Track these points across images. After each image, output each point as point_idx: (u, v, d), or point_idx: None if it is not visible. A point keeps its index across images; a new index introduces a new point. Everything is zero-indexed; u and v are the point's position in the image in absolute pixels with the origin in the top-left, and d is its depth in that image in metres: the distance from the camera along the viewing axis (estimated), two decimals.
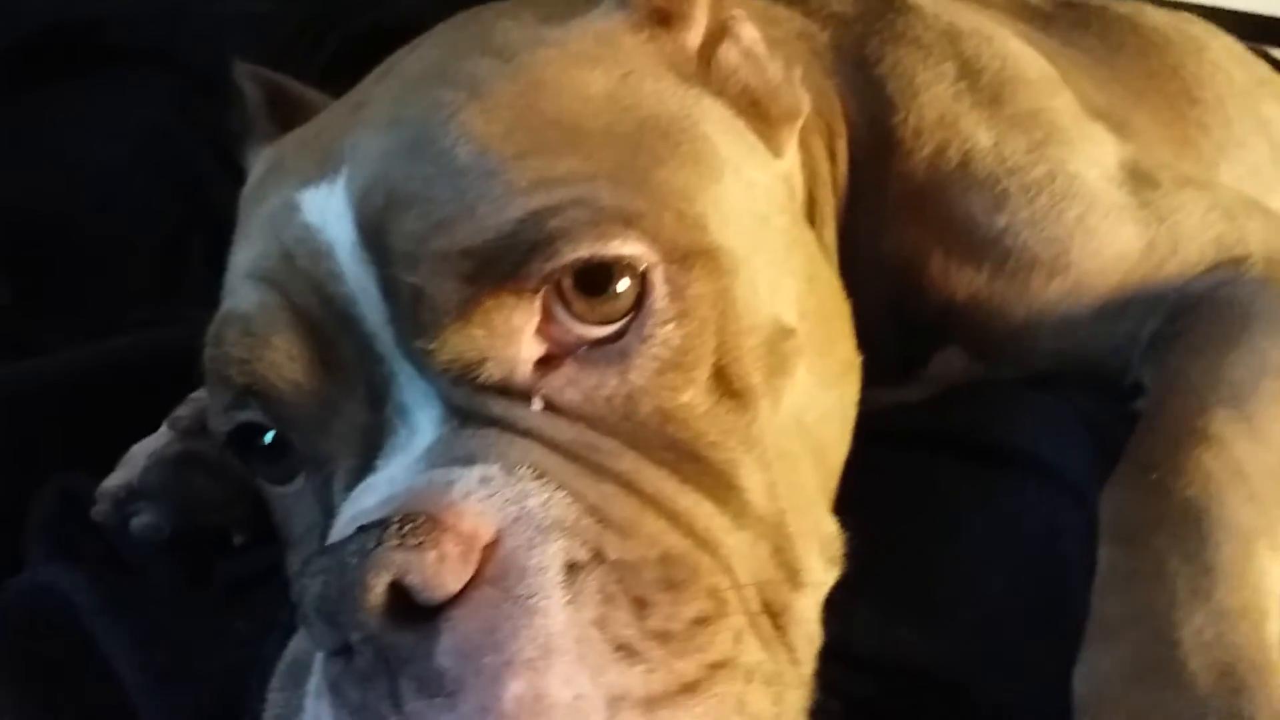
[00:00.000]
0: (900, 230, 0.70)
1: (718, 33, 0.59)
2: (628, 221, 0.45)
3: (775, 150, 0.58)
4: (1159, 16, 1.01)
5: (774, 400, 0.49)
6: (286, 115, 0.68)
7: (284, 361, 0.47)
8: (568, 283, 0.45)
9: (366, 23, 1.07)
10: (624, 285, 0.46)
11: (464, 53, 0.53)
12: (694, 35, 0.58)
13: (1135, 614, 0.50)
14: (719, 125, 0.54)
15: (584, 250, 0.44)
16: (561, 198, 0.45)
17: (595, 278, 0.45)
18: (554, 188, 0.45)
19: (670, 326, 0.46)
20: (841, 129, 0.71)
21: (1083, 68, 0.87)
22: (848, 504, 0.58)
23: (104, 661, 0.48)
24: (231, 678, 0.47)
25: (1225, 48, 1.03)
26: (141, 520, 0.60)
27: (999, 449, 0.63)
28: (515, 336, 0.45)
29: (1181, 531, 0.52)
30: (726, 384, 0.47)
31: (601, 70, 0.52)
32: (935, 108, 0.72)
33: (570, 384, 0.45)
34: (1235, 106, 0.95)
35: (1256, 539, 0.52)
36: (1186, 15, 1.06)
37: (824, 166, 0.70)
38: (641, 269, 0.46)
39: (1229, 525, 0.52)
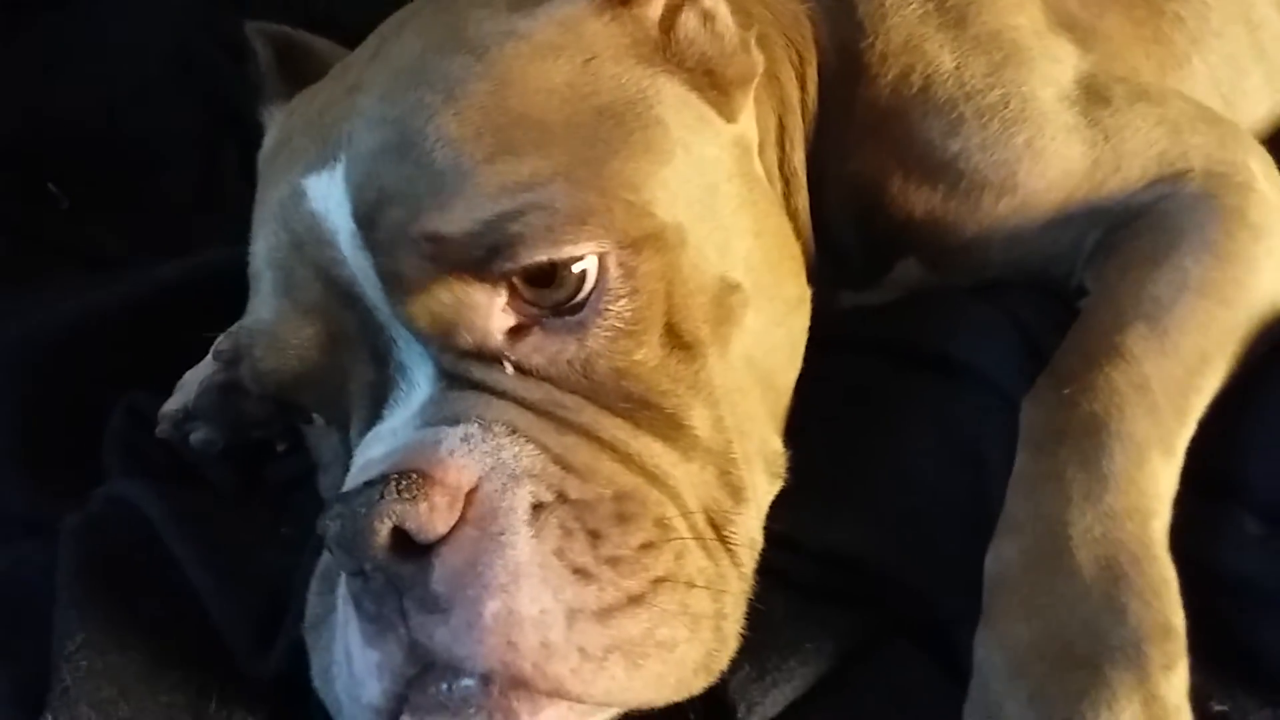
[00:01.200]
0: (865, 151, 0.76)
1: (677, 2, 0.64)
2: (582, 220, 0.53)
3: (729, 115, 0.64)
4: None
5: (721, 347, 0.57)
6: (297, 67, 0.74)
7: (302, 356, 0.57)
8: (532, 273, 0.53)
9: None
10: (580, 268, 0.53)
11: (442, 46, 0.59)
12: (654, 8, 0.63)
13: (1037, 512, 0.59)
14: (673, 106, 0.60)
15: (540, 254, 0.52)
16: (522, 203, 0.52)
17: (555, 268, 0.53)
18: (516, 192, 0.52)
19: (623, 301, 0.54)
20: (812, 56, 0.76)
21: None
22: (803, 406, 0.67)
23: (173, 565, 0.59)
24: (279, 578, 0.58)
25: None
26: (198, 436, 0.70)
27: (940, 357, 0.71)
28: (482, 310, 0.54)
29: (1082, 442, 0.60)
30: (677, 338, 0.56)
31: (565, 59, 0.58)
32: (902, 31, 0.76)
33: (536, 350, 0.54)
34: None
35: (1150, 448, 0.60)
36: None
37: (793, 93, 0.76)
38: (599, 254, 0.53)
39: (1125, 436, 0.60)
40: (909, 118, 0.74)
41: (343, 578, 0.50)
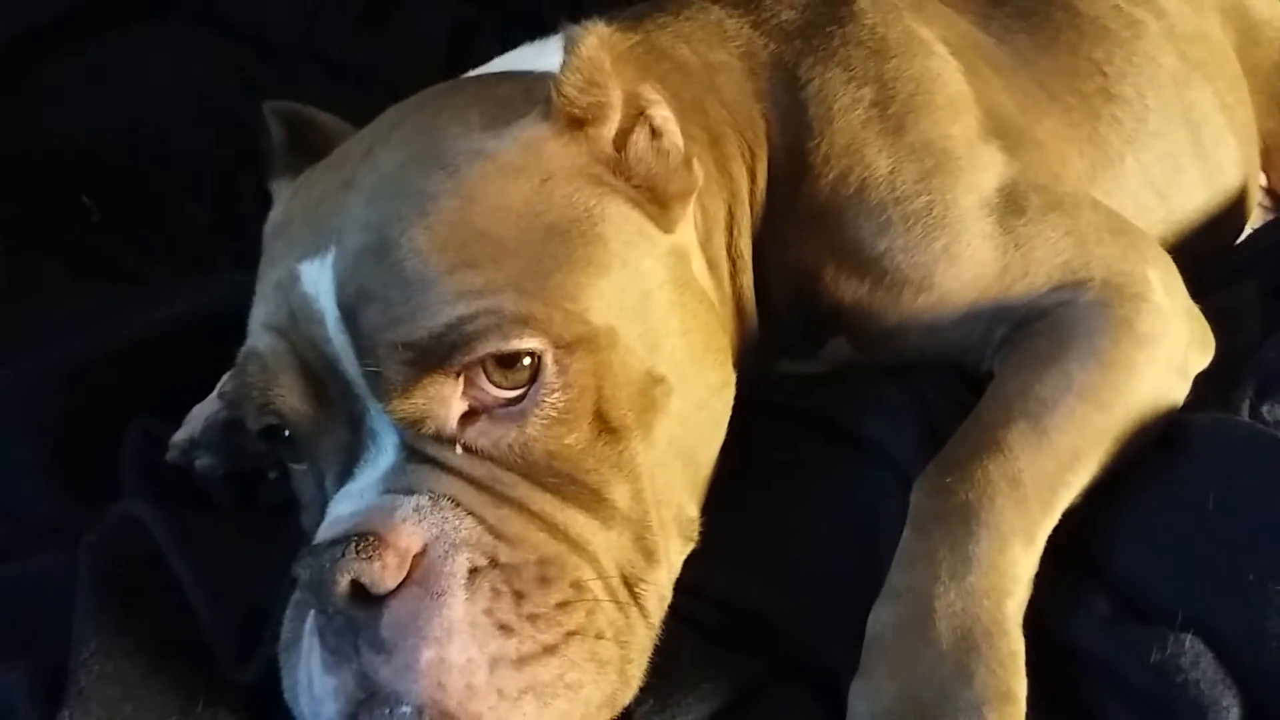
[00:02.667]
0: (805, 241, 0.85)
1: (632, 118, 0.73)
2: (526, 323, 0.63)
3: (667, 226, 0.74)
4: (1105, 2, 1.10)
5: (645, 431, 0.67)
6: (305, 141, 0.84)
7: (289, 394, 0.66)
8: (485, 364, 0.63)
9: None
10: (524, 364, 0.63)
11: (421, 160, 0.68)
12: (609, 128, 0.72)
13: (911, 584, 0.68)
14: (614, 223, 0.70)
15: (491, 348, 0.62)
16: (478, 308, 0.62)
17: (503, 360, 0.63)
18: (473, 299, 0.62)
19: (557, 394, 0.64)
20: (763, 153, 0.86)
21: (1005, 71, 0.98)
22: (728, 468, 0.77)
23: (174, 582, 0.69)
24: (263, 597, 0.68)
25: (1168, 30, 1.11)
26: (202, 462, 0.81)
27: (852, 433, 0.80)
28: (445, 403, 0.63)
29: (955, 527, 0.69)
30: (605, 424, 0.65)
31: (524, 179, 0.68)
32: (846, 134, 0.85)
33: (482, 434, 0.64)
34: (1156, 97, 1.06)
35: (1013, 537, 0.69)
36: None
37: (744, 185, 0.85)
38: (537, 354, 0.63)
39: (992, 525, 0.69)
40: (845, 216, 0.84)
41: (310, 612, 0.60)
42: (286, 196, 0.79)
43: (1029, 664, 0.68)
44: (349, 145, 0.77)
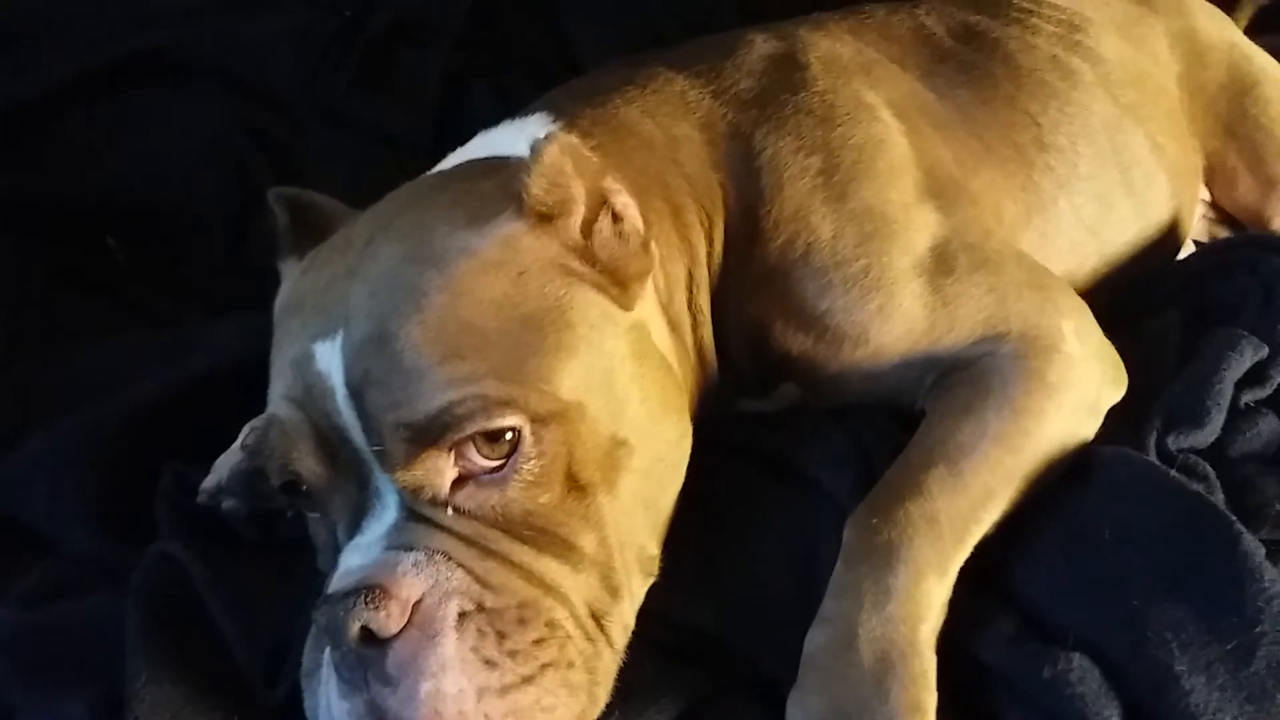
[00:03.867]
0: (757, 298, 0.95)
1: (595, 208, 0.83)
2: (507, 405, 0.73)
3: (627, 305, 0.83)
4: (1042, 51, 1.19)
5: (610, 487, 0.78)
6: (307, 220, 0.94)
7: (306, 458, 0.77)
8: (474, 439, 0.74)
9: (384, 23, 1.29)
10: (506, 438, 0.74)
11: (416, 258, 0.78)
12: (575, 219, 0.82)
13: (840, 612, 0.79)
14: (582, 310, 0.80)
15: (478, 427, 0.73)
16: (465, 394, 0.73)
17: (489, 436, 0.74)
18: (461, 385, 0.73)
19: (533, 462, 0.75)
20: (720, 219, 0.96)
21: (945, 128, 1.08)
22: (687, 503, 0.88)
23: (208, 616, 0.80)
24: (285, 628, 0.80)
25: (1102, 77, 1.20)
26: (228, 505, 0.92)
27: (797, 472, 0.91)
28: (439, 473, 0.74)
29: (877, 563, 0.80)
30: (574, 483, 0.76)
31: (503, 274, 0.78)
32: (794, 201, 0.95)
33: (469, 498, 0.75)
34: (1087, 144, 1.15)
35: (928, 570, 0.80)
36: (1080, 39, 1.23)
37: (702, 248, 0.95)
38: (517, 429, 0.74)
39: (909, 561, 0.80)
40: (792, 277, 0.94)
41: (327, 648, 0.72)
42: (295, 276, 0.89)
43: (944, 678, 0.79)
44: (351, 231, 0.86)
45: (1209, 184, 1.41)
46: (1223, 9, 1.63)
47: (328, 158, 1.29)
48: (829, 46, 1.10)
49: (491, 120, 1.21)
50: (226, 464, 0.92)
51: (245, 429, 0.93)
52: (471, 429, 0.73)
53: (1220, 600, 0.79)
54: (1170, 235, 1.25)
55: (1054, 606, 0.83)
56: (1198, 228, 1.44)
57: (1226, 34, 1.45)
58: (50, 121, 1.31)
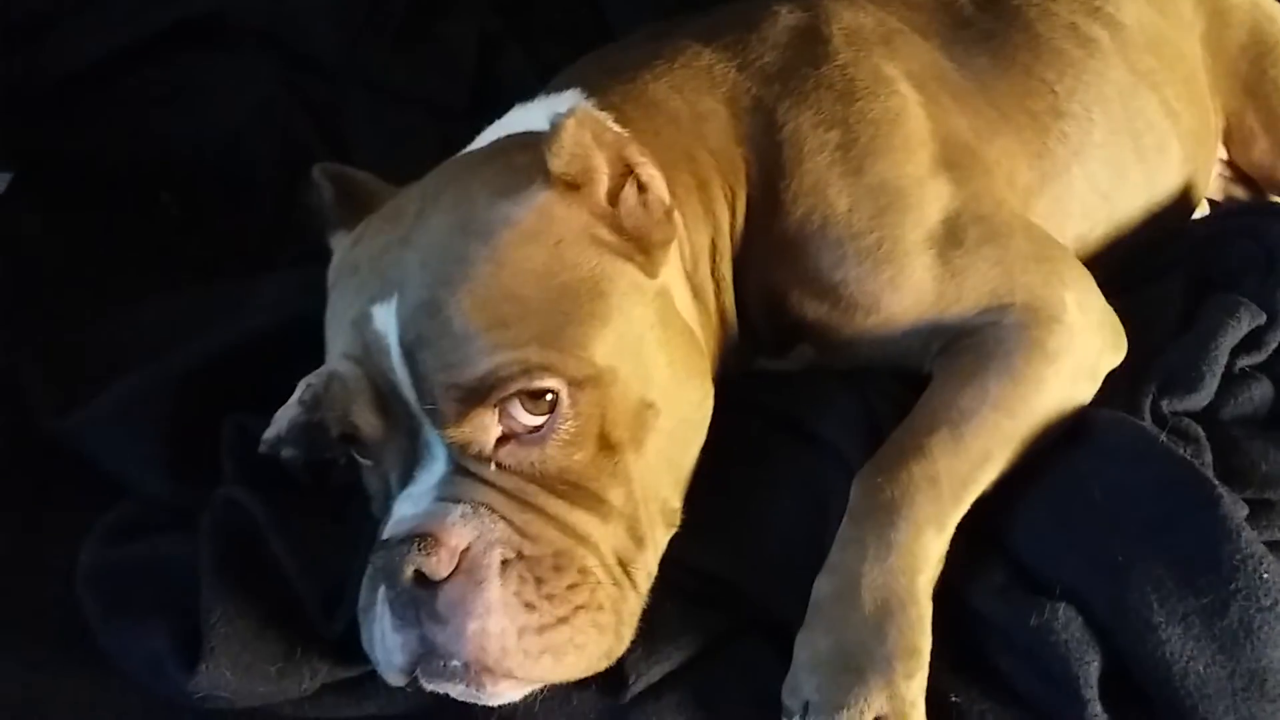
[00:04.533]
0: (776, 267, 1.01)
1: (620, 177, 0.89)
2: (547, 369, 0.80)
3: (652, 273, 0.90)
4: (1061, 18, 1.22)
5: (637, 446, 0.85)
6: (352, 196, 1.01)
7: (363, 410, 0.85)
8: (516, 398, 0.81)
9: None
10: (546, 398, 0.81)
11: (464, 229, 0.85)
12: (601, 187, 0.88)
13: (844, 562, 0.87)
14: (612, 279, 0.86)
15: (520, 386, 0.80)
16: (510, 358, 0.80)
17: (530, 395, 0.81)
18: (506, 350, 0.80)
19: (569, 423, 0.82)
20: (743, 191, 1.02)
21: (962, 97, 1.12)
22: (707, 457, 0.95)
23: (272, 554, 0.89)
24: (340, 567, 0.88)
25: (1121, 44, 1.23)
26: (286, 454, 0.99)
27: (809, 431, 0.98)
28: (485, 431, 0.82)
29: (880, 519, 0.87)
30: (605, 442, 0.83)
31: (541, 244, 0.84)
32: (812, 175, 1.01)
33: (511, 455, 0.82)
34: (1102, 112, 1.19)
35: (928, 525, 0.87)
36: (1101, 5, 1.26)
37: (725, 219, 1.01)
38: (555, 391, 0.81)
39: (910, 518, 0.87)
40: (809, 248, 1.00)
41: (382, 586, 0.80)
42: (346, 246, 0.96)
43: (939, 623, 0.87)
44: (402, 202, 0.93)
45: (1227, 144, 1.44)
46: None
47: (369, 121, 1.35)
48: (851, 17, 1.14)
49: (526, 84, 1.27)
50: (285, 417, 1.00)
51: (301, 384, 1.00)
52: (514, 388, 0.80)
53: (1198, 558, 0.85)
54: (1183, 199, 1.29)
55: (1043, 559, 0.90)
56: (1214, 186, 1.48)
57: None
58: (106, 85, 1.38)
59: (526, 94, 1.20)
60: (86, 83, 1.38)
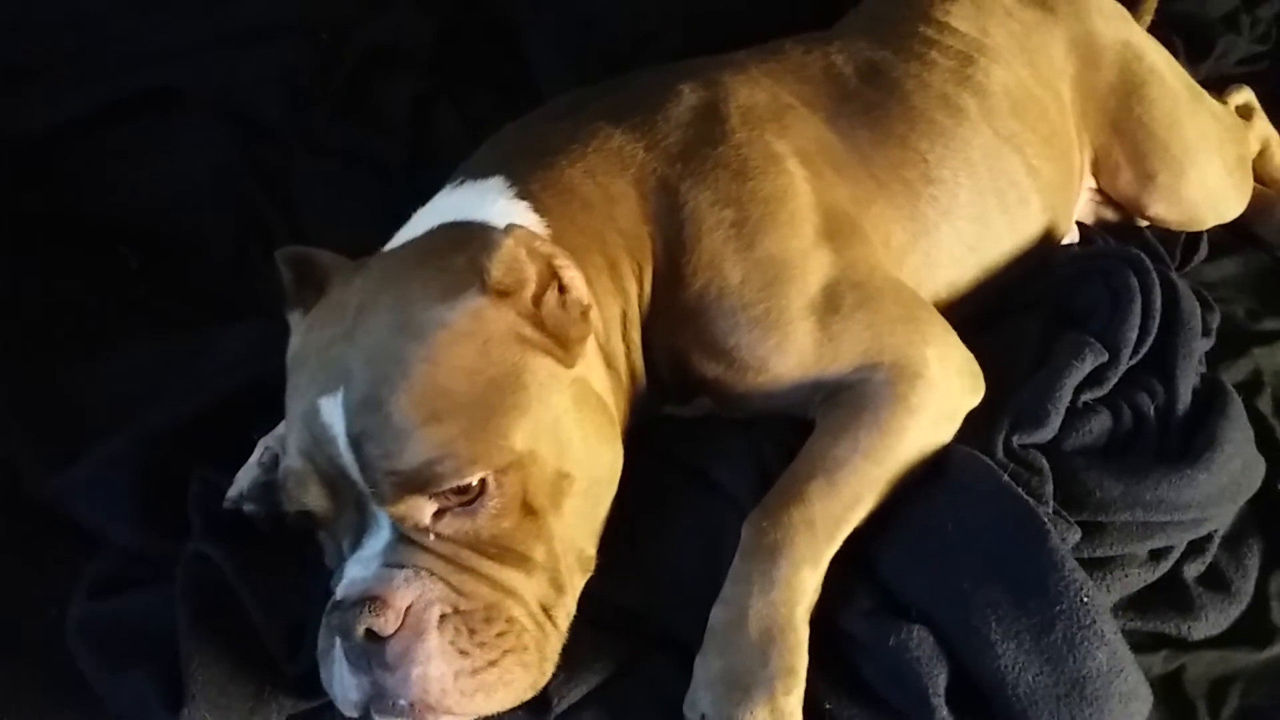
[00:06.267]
0: (678, 332, 1.15)
1: (545, 281, 1.01)
2: (475, 462, 0.93)
3: (570, 363, 1.02)
4: (935, 89, 1.36)
5: (556, 510, 0.98)
6: (309, 274, 1.11)
7: (315, 498, 0.97)
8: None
9: (359, 52, 1.45)
10: (475, 484, 0.94)
11: (403, 329, 0.96)
12: (528, 292, 1.00)
13: (734, 595, 1.02)
14: (533, 372, 0.98)
15: (451, 482, 0.93)
16: (442, 453, 0.92)
17: (460, 487, 0.94)
18: (437, 446, 0.92)
19: (495, 500, 0.95)
20: (649, 265, 1.15)
21: (844, 169, 1.26)
22: (619, 503, 1.09)
23: (239, 604, 1.02)
24: (300, 613, 1.02)
25: (986, 111, 1.37)
26: (248, 508, 1.12)
27: (706, 476, 1.13)
28: (421, 509, 0.94)
29: (764, 558, 1.02)
30: (528, 509, 0.96)
31: (471, 344, 0.96)
32: (709, 250, 1.14)
33: (447, 525, 0.95)
34: (968, 175, 1.33)
35: (804, 564, 1.02)
36: (970, 74, 1.40)
37: (633, 291, 1.14)
38: (482, 478, 0.94)
39: (789, 557, 1.02)
40: (706, 316, 1.13)
41: (338, 638, 0.94)
42: (302, 330, 1.07)
43: (817, 643, 1.02)
44: (345, 295, 1.03)
45: (1096, 174, 1.59)
46: (1126, 5, 1.79)
47: (316, 180, 1.47)
48: (748, 94, 1.26)
49: (456, 140, 1.39)
50: (246, 477, 1.13)
51: (259, 446, 1.14)
52: (446, 485, 0.93)
53: (1029, 585, 1.01)
54: (1045, 239, 1.43)
55: (903, 586, 1.06)
56: (1085, 210, 1.63)
57: (1121, 34, 1.59)
58: (67, 147, 1.48)
59: (458, 150, 1.32)
60: (48, 144, 1.48)
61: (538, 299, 1.01)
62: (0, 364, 1.33)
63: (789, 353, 1.12)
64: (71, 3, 1.56)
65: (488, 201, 1.11)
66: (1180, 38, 2.02)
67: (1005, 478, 1.09)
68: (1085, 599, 1.01)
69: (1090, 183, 1.60)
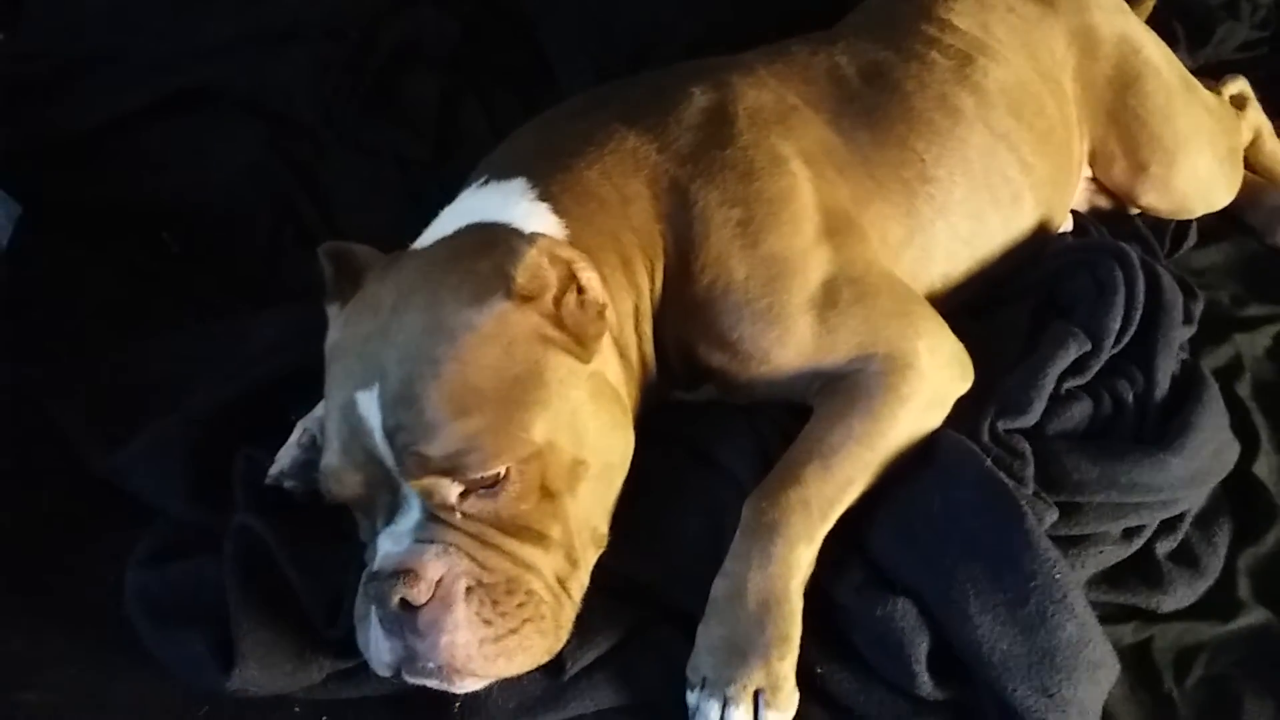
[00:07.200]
0: (687, 325, 1.23)
1: (566, 281, 1.09)
2: (498, 455, 1.01)
3: (587, 359, 1.10)
4: (933, 90, 1.42)
5: (572, 492, 1.07)
6: (348, 267, 1.19)
7: (352, 487, 1.06)
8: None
9: (387, 50, 1.52)
10: (499, 473, 1.02)
11: (433, 331, 1.03)
12: (549, 296, 1.08)
13: (734, 569, 1.11)
14: (553, 369, 1.06)
15: (477, 472, 1.01)
16: (470, 445, 1.00)
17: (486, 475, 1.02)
18: (465, 438, 1.00)
19: (516, 485, 1.03)
20: (660, 261, 1.23)
21: (845, 169, 1.33)
22: (629, 483, 1.18)
23: (282, 571, 1.12)
24: (338, 580, 1.11)
25: (984, 110, 1.43)
26: (289, 484, 1.21)
27: (711, 458, 1.22)
28: (448, 489, 1.03)
29: (762, 536, 1.11)
30: (546, 492, 1.05)
31: (496, 344, 1.04)
32: (716, 247, 1.22)
33: (471, 505, 1.04)
34: (963, 174, 1.40)
35: (799, 541, 1.11)
36: (969, 73, 1.47)
37: (645, 286, 1.22)
38: (506, 467, 1.03)
39: (786, 536, 1.11)
40: (713, 310, 1.21)
41: (374, 606, 1.03)
42: (340, 323, 1.15)
43: (811, 613, 1.11)
44: (380, 292, 1.11)
45: (1091, 163, 1.65)
46: None
47: (346, 173, 1.55)
48: (755, 96, 1.34)
49: (481, 134, 1.46)
50: (286, 455, 1.23)
51: (298, 427, 1.24)
52: (472, 475, 1.02)
53: (1006, 562, 1.10)
54: (1038, 233, 1.50)
55: (891, 561, 1.15)
56: (1081, 198, 1.69)
57: (1119, 27, 1.65)
58: (115, 142, 1.58)
59: (481, 145, 1.40)
60: (95, 139, 1.57)
61: (558, 301, 1.09)
62: (58, 347, 1.43)
63: (789, 344, 1.21)
64: (115, 6, 1.66)
65: (511, 203, 1.19)
66: (1181, 24, 2.08)
67: (988, 462, 1.17)
68: (1057, 575, 1.10)
69: (1086, 172, 1.66)
